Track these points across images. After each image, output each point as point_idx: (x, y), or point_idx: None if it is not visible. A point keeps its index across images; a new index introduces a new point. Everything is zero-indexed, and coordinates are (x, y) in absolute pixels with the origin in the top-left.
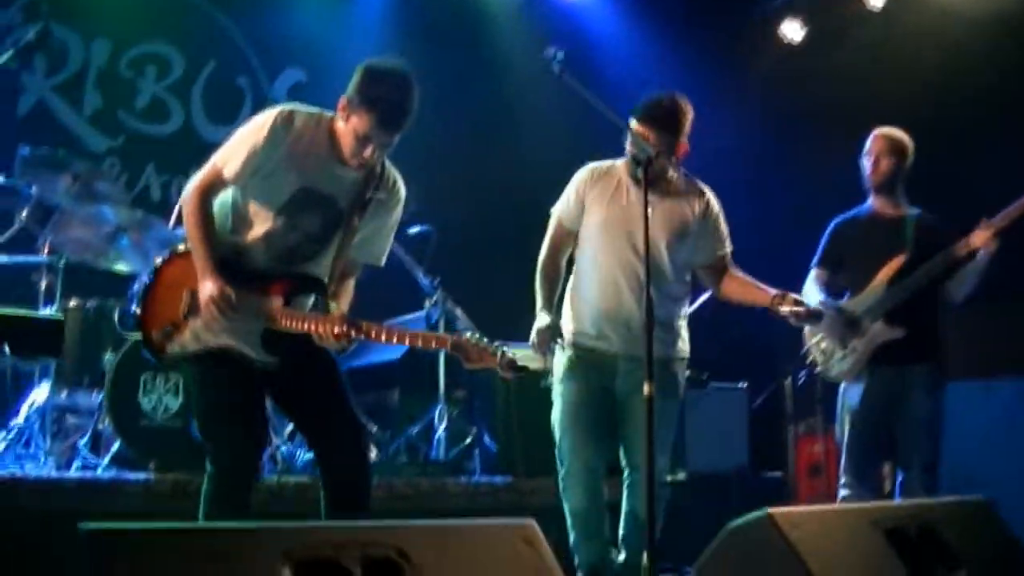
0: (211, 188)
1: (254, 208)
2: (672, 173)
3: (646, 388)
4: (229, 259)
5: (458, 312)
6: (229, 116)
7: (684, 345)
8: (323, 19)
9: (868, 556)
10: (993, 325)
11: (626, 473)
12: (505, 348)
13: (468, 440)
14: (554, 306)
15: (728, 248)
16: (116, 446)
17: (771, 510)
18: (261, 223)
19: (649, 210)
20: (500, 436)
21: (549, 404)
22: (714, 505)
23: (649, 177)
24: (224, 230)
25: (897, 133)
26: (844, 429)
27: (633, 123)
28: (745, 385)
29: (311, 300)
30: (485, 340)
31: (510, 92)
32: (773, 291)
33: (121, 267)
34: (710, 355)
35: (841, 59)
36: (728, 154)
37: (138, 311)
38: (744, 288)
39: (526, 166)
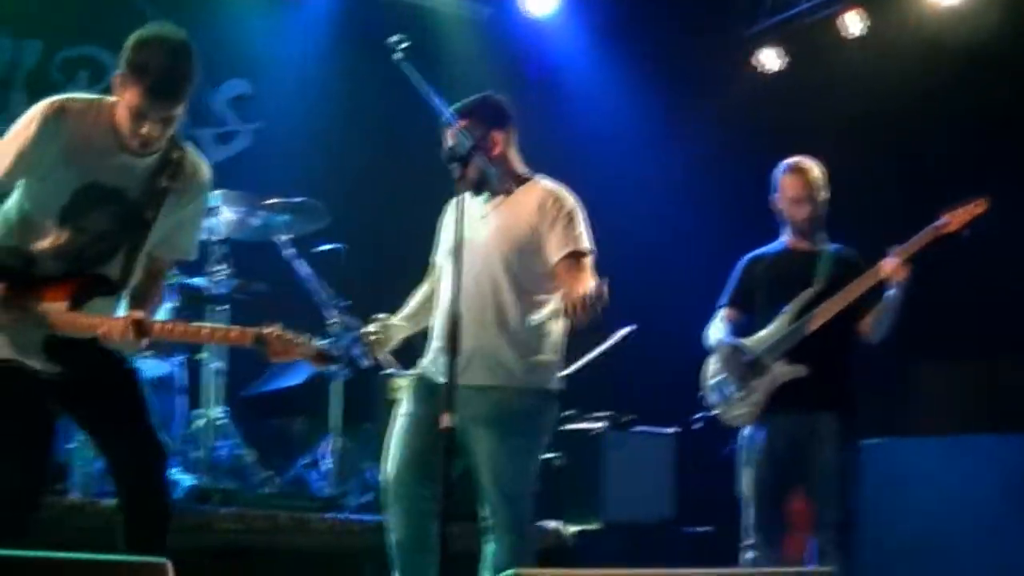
0: None
1: (36, 213)
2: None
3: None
4: (17, 267)
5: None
6: None
7: (541, 375)
8: (267, 29)
9: None
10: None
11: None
12: (316, 340)
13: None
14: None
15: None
16: None
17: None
18: (46, 229)
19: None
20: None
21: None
22: (631, 559)
23: (469, 176)
24: (9, 238)
25: (817, 170)
26: (746, 482)
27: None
28: (674, 430)
29: (112, 302)
30: (292, 332)
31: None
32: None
33: None
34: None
35: (817, 85)
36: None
37: None
38: None
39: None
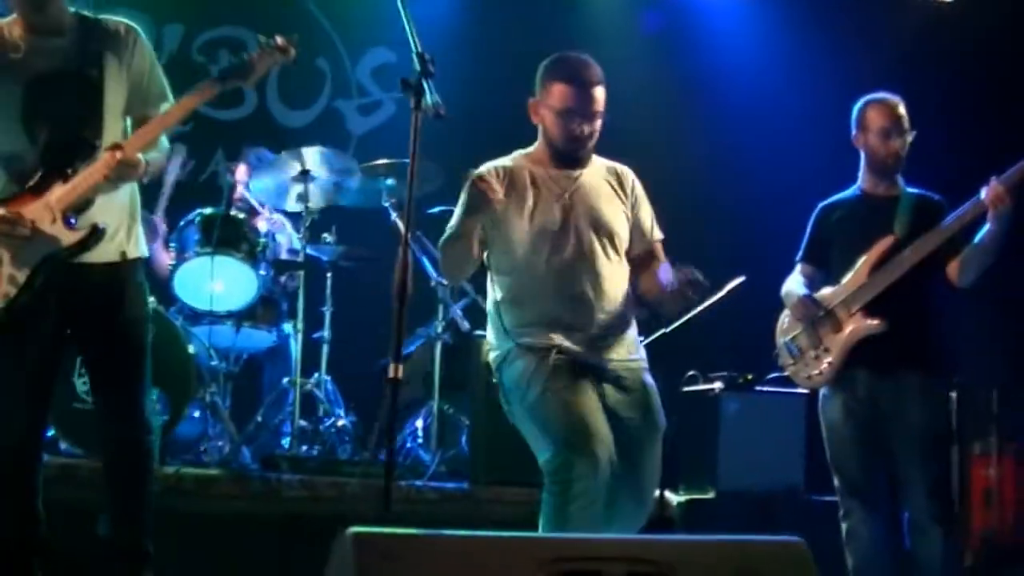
0: None
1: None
2: None
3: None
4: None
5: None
6: (307, 99)
7: None
8: None
9: None
10: None
11: None
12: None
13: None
14: None
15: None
16: None
17: (359, 530)
18: (16, 146)
19: None
20: (472, 437)
21: None
22: (750, 531)
23: None
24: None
25: (902, 105)
26: (828, 448)
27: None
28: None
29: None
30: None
31: None
32: None
33: None
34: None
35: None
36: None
37: None
38: None
39: None
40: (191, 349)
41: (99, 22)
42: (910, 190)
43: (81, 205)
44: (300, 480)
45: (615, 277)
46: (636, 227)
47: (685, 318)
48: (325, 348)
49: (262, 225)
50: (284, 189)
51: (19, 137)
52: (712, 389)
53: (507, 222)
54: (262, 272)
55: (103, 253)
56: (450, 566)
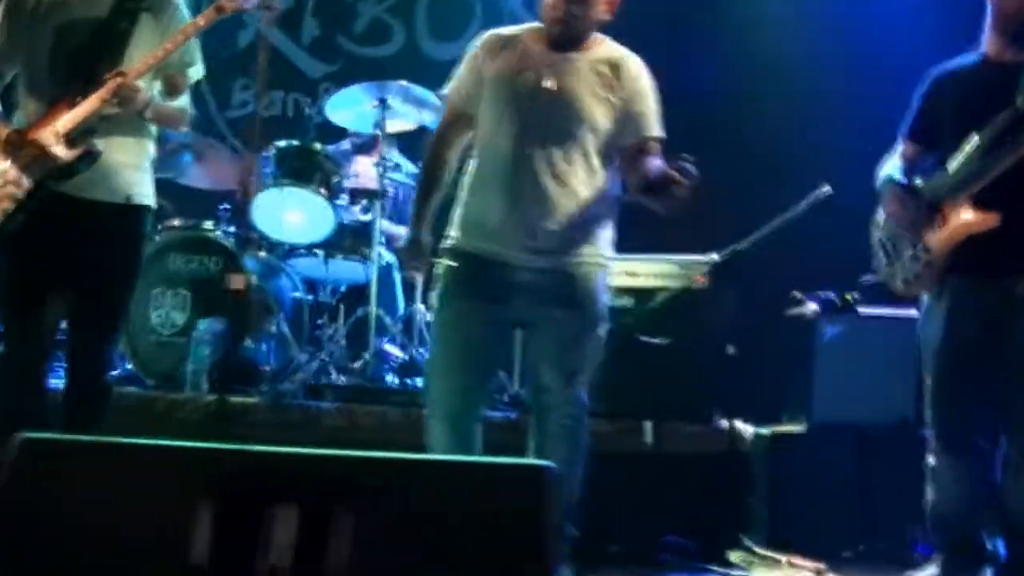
0: None
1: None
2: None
3: None
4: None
5: None
6: (457, 31)
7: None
8: None
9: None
10: None
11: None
12: None
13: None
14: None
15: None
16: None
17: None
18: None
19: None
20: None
21: None
22: (843, 467)
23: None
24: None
25: None
26: (925, 369)
27: None
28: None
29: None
30: None
31: None
32: None
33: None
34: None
35: None
36: None
37: None
38: None
39: None
40: (253, 280)
41: None
42: None
43: (85, 129)
44: (338, 408)
45: (579, 172)
46: (627, 120)
47: (763, 232)
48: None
49: (371, 160)
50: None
51: (45, 73)
52: (805, 312)
53: (488, 93)
54: (340, 203)
55: (107, 191)
56: (112, 473)
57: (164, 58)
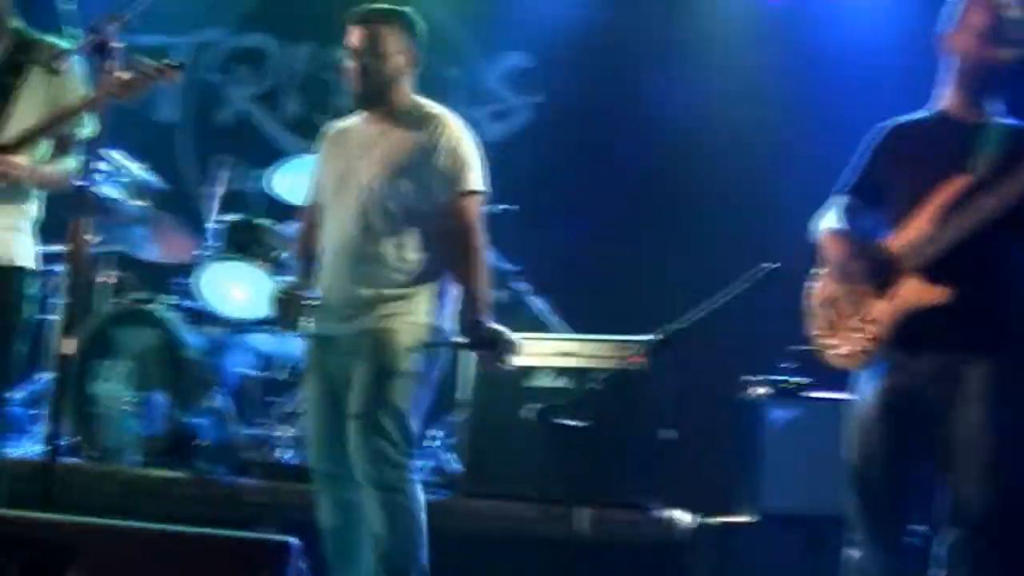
0: None
1: None
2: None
3: None
4: None
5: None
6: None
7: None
8: None
9: None
10: None
11: None
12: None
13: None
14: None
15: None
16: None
17: None
18: None
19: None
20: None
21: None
22: (792, 560)
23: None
24: None
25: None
26: (850, 448)
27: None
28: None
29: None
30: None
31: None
32: None
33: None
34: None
35: None
36: None
37: None
38: None
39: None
40: (189, 354)
41: (39, 41)
42: (1004, 120)
43: None
44: (262, 485)
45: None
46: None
47: (705, 310)
48: None
49: None
50: None
51: None
52: (752, 394)
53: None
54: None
55: None
56: None
57: (46, 133)
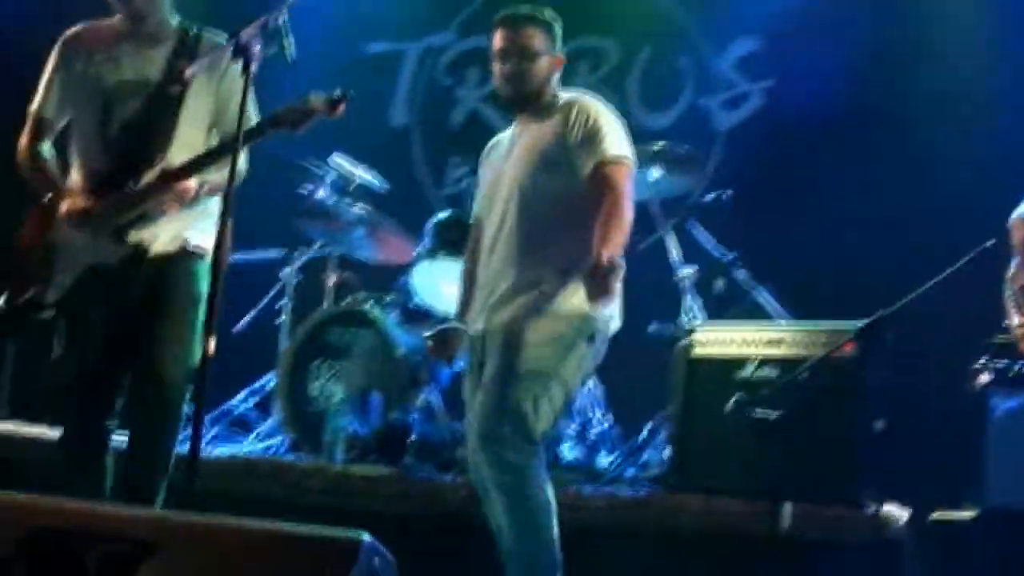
0: (31, 136)
1: (83, 139)
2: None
3: None
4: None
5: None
6: (668, 100)
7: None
8: None
9: None
10: None
11: None
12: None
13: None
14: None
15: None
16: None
17: None
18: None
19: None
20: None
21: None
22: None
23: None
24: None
25: None
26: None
27: None
28: None
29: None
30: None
31: None
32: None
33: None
34: None
35: None
36: None
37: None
38: None
39: None
40: (401, 353)
41: (200, 38)
42: None
43: (132, 222)
44: (462, 482)
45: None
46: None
47: (918, 293)
48: None
49: None
50: None
51: (96, 141)
52: (978, 382)
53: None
54: None
55: (161, 245)
56: None
57: (212, 161)
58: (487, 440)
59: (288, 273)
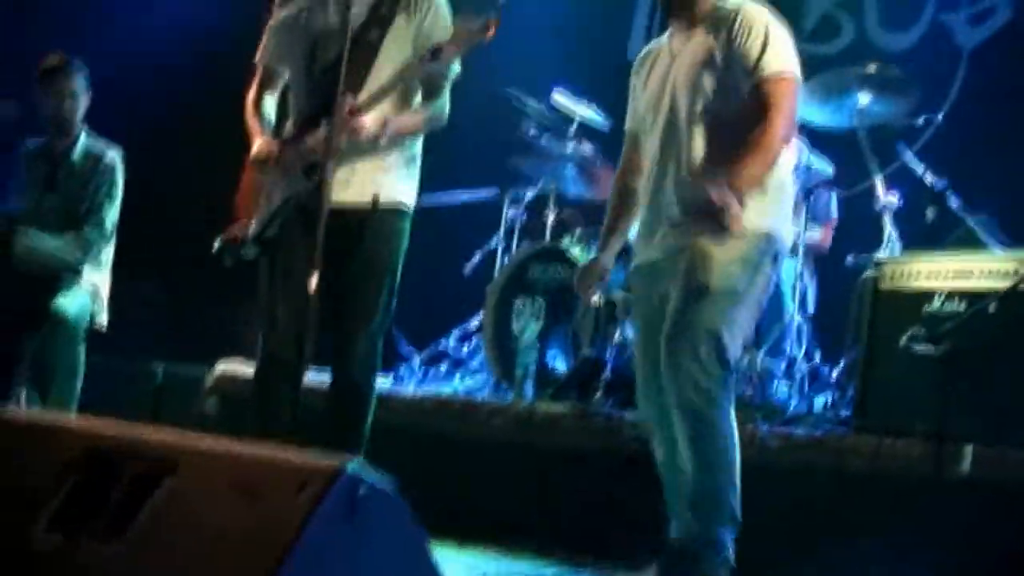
0: (255, 88)
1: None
2: None
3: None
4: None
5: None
6: (908, 20)
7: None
8: None
9: None
10: None
11: None
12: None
13: None
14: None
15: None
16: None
17: None
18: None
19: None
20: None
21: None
22: None
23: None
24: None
25: None
26: None
27: None
28: None
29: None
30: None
31: None
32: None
33: None
34: None
35: None
36: None
37: None
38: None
39: None
40: None
41: None
42: None
43: (316, 161)
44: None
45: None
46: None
47: None
48: None
49: None
50: None
51: (303, 87)
52: None
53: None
54: None
55: (353, 195)
56: None
57: (393, 88)
58: (678, 361)
59: (514, 213)
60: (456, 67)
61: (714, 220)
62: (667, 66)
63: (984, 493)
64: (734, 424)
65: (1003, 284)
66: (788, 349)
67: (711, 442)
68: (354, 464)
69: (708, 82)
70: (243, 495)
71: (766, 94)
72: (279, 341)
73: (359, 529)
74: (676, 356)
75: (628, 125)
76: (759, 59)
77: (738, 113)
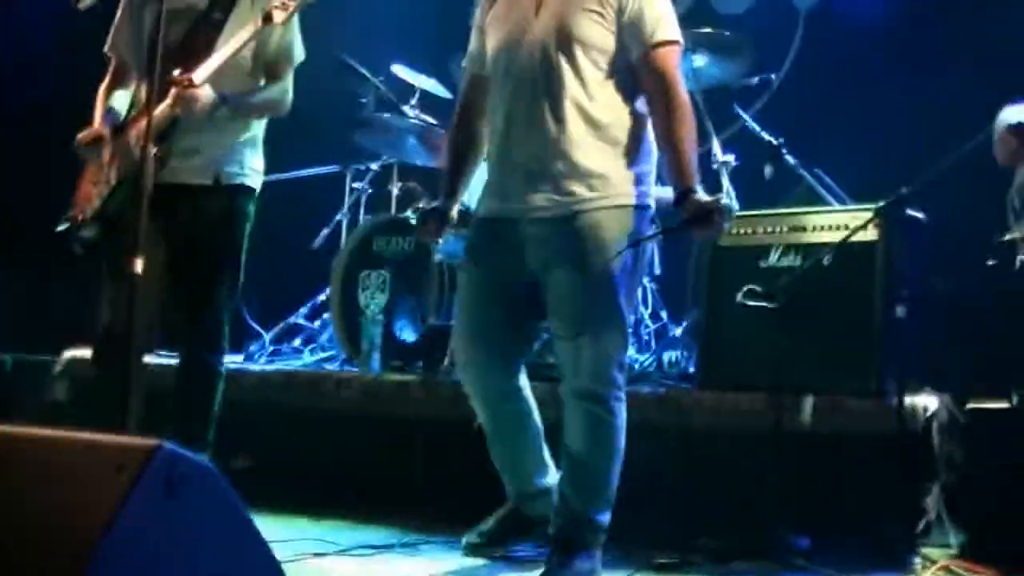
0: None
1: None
2: None
3: None
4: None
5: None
6: None
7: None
8: None
9: None
10: None
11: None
12: None
13: None
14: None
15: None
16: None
17: None
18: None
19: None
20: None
21: None
22: None
23: None
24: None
25: None
26: None
27: None
28: None
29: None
30: None
31: None
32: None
33: None
34: None
35: None
36: None
37: None
38: None
39: None
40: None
41: None
42: None
43: (161, 134)
44: None
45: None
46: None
47: (939, 170)
48: None
49: None
50: None
51: (144, 71)
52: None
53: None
54: None
55: (195, 175)
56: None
57: (222, 61)
58: (585, 348)
59: (359, 187)
60: (300, 53)
61: (704, 224)
62: (530, 6)
63: (824, 442)
64: (624, 411)
65: (837, 237)
66: (635, 310)
67: (608, 427)
68: (170, 444)
69: (589, 36)
70: (62, 479)
71: (659, 60)
72: (116, 321)
73: (178, 506)
74: (580, 344)
75: (473, 65)
76: (651, 25)
77: (621, 74)
